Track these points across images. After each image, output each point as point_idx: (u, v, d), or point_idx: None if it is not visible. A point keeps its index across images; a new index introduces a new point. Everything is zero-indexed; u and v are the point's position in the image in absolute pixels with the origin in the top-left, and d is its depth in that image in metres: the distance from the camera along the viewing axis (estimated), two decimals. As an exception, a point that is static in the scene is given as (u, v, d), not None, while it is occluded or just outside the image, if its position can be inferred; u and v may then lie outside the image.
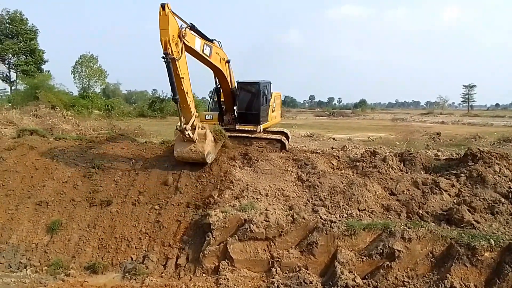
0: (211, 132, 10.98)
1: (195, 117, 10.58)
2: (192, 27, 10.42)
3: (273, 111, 14.87)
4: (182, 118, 10.24)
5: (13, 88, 52.70)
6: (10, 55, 50.07)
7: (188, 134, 10.27)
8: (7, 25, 49.75)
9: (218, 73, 12.90)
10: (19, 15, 50.33)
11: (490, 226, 8.68)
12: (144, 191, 10.41)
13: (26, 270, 8.74)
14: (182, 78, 9.77)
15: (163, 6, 8.98)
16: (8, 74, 52.45)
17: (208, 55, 11.41)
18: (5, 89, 59.24)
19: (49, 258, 9.02)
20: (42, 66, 53.15)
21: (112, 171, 11.07)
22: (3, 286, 8.04)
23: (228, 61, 12.97)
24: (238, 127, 13.77)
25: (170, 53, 9.16)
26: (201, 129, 10.71)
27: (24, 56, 50.84)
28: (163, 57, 9.13)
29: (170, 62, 9.18)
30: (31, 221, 9.80)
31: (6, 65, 51.69)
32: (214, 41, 11.90)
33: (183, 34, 9.66)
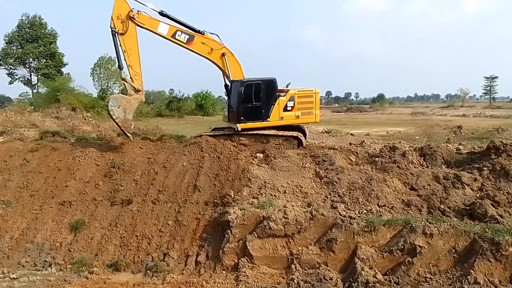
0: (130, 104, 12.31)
1: (138, 92, 12.34)
2: (162, 14, 12.61)
3: (288, 110, 13.85)
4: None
5: (34, 91, 53.88)
6: (31, 59, 51.14)
7: (125, 83, 12.19)
8: (27, 29, 50.84)
9: (216, 65, 13.73)
10: (38, 20, 51.37)
11: (515, 220, 8.47)
12: (164, 190, 10.53)
13: (51, 268, 8.97)
14: (124, 52, 11.97)
15: None
16: (29, 77, 53.63)
17: (185, 42, 12.93)
18: (27, 92, 60.75)
19: (73, 256, 9.23)
20: (62, 69, 54.15)
21: (132, 170, 11.25)
22: (29, 284, 8.28)
23: (223, 54, 13.40)
24: (227, 123, 14.21)
25: (113, 26, 11.82)
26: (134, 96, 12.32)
27: (45, 60, 51.84)
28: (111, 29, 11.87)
29: (114, 35, 11.83)
30: (55, 221, 10.04)
31: (27, 69, 52.89)
32: (205, 32, 13.18)
33: (132, 15, 11.99)
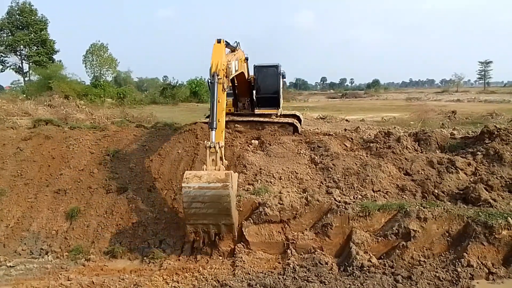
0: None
1: (221, 147, 8.36)
2: (227, 44, 10.16)
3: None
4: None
5: (26, 79, 53.33)
6: (21, 46, 50.51)
7: (217, 151, 8.12)
8: (17, 16, 50.04)
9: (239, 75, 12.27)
10: (28, 6, 50.56)
11: (508, 204, 8.60)
12: (159, 177, 10.52)
13: (48, 256, 8.98)
14: (222, 111, 8.78)
15: (219, 41, 9.41)
16: (20, 65, 53.07)
17: (237, 69, 10.98)
18: (18, 80, 60.20)
19: (70, 244, 9.24)
20: (54, 56, 53.62)
21: (127, 158, 11.20)
22: (26, 272, 8.28)
23: (246, 59, 12.91)
24: (257, 111, 13.80)
25: (222, 75, 8.69)
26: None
27: (36, 47, 51.24)
28: (209, 79, 8.86)
29: (216, 83, 8.51)
30: (50, 209, 10.02)
31: (19, 57, 52.22)
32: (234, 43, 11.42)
33: (228, 74, 9.30)
